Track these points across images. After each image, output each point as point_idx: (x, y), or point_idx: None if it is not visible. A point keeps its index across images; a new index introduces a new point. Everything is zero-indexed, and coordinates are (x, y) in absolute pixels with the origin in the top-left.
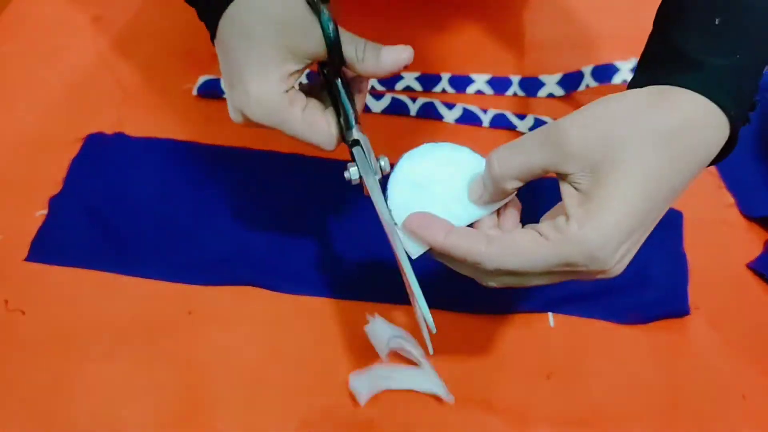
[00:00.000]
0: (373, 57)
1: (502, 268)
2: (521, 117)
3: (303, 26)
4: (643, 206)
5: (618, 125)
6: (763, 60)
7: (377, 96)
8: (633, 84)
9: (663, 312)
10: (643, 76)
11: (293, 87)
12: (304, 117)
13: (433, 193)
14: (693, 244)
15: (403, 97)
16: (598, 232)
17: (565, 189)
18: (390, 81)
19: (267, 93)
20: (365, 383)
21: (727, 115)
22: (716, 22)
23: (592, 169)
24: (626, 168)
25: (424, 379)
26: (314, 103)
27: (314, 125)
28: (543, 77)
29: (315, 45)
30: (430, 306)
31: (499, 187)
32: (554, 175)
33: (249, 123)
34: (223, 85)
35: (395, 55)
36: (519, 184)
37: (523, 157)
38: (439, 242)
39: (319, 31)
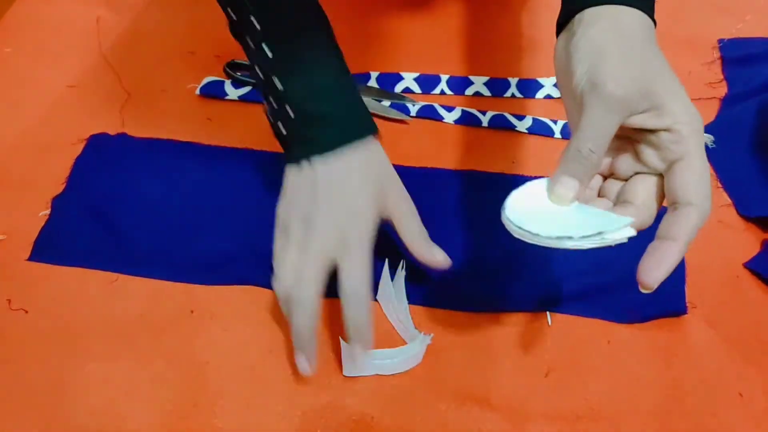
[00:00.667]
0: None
1: None
2: (520, 117)
3: None
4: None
5: (645, 63)
6: None
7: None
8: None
9: (660, 311)
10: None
11: None
12: None
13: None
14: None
15: (402, 101)
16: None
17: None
18: (389, 82)
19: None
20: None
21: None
22: None
23: (649, 100)
24: (668, 84)
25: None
26: None
27: None
28: (541, 80)
29: None
30: (429, 305)
31: (595, 170)
32: None
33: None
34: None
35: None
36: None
37: (603, 135)
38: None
39: None
